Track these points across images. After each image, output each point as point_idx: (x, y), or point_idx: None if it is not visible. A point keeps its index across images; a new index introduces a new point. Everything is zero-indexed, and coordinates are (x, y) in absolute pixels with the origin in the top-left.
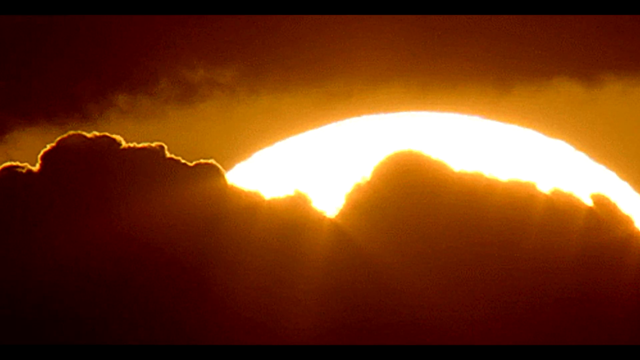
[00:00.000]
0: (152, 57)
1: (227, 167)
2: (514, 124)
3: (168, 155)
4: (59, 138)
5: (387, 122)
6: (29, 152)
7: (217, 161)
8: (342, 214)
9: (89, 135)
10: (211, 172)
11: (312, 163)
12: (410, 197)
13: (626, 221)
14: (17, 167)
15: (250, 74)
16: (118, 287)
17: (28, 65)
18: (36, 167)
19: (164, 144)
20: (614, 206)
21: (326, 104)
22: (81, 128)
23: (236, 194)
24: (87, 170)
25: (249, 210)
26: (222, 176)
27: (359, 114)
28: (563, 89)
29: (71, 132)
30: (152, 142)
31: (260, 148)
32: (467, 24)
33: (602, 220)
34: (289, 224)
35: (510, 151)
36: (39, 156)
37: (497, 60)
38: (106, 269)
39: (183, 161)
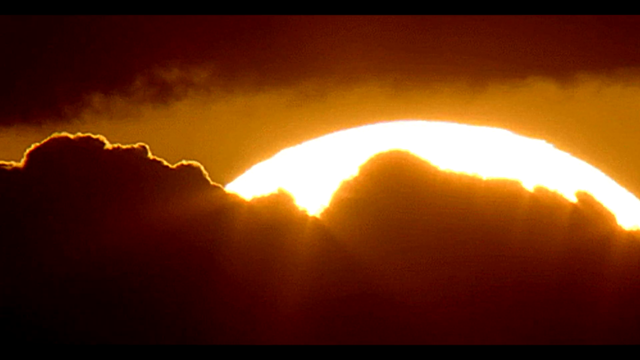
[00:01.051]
0: (126, 56)
1: (205, 166)
2: (487, 122)
3: (151, 156)
4: (45, 140)
5: (368, 123)
6: (4, 153)
7: (193, 160)
8: (327, 212)
9: (71, 136)
10: (193, 173)
11: (294, 162)
12: (395, 196)
13: (609, 218)
14: (2, 165)
15: (225, 74)
16: (102, 288)
17: (2, 66)
18: (21, 164)
19: (146, 145)
20: (597, 203)
21: (301, 103)
22: (56, 128)
23: (218, 194)
24: (70, 171)
25: (232, 209)
26: (204, 177)
27: (334, 113)
28: (537, 88)
29: (55, 134)
30: (127, 141)
31: (236, 147)
32: (440, 24)
33: (585, 217)
34: (272, 223)
35: (488, 150)
36: (25, 154)
37: (471, 59)
38: (91, 270)
39: (165, 163)
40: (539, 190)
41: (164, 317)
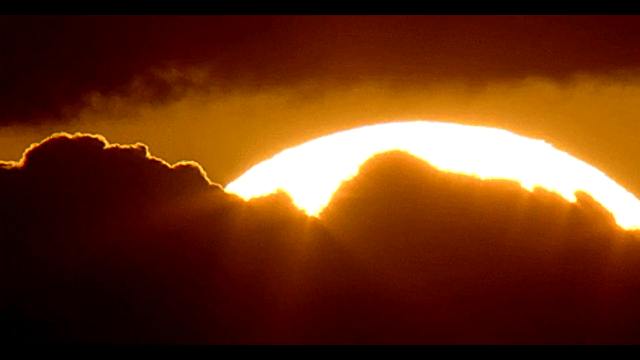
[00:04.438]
0: (125, 56)
1: (203, 166)
2: (486, 122)
3: (149, 156)
4: (44, 140)
5: (367, 123)
6: (2, 153)
7: (191, 160)
8: (325, 212)
9: (70, 136)
10: (191, 173)
11: (293, 162)
12: (394, 196)
13: (608, 218)
14: (1, 165)
15: (223, 74)
16: (101, 288)
17: (0, 66)
18: (20, 165)
19: (145, 145)
20: (596, 203)
21: (299, 103)
22: (55, 128)
23: (217, 194)
24: (69, 172)
25: (231, 209)
26: (202, 177)
27: (332, 114)
28: (536, 87)
29: (55, 135)
30: (126, 142)
31: (234, 147)
32: (439, 24)
33: (584, 216)
34: (271, 223)
35: (487, 150)
36: (24, 155)
37: (470, 59)
38: (91, 270)
39: (164, 162)
40: (538, 190)
41: (163, 317)
